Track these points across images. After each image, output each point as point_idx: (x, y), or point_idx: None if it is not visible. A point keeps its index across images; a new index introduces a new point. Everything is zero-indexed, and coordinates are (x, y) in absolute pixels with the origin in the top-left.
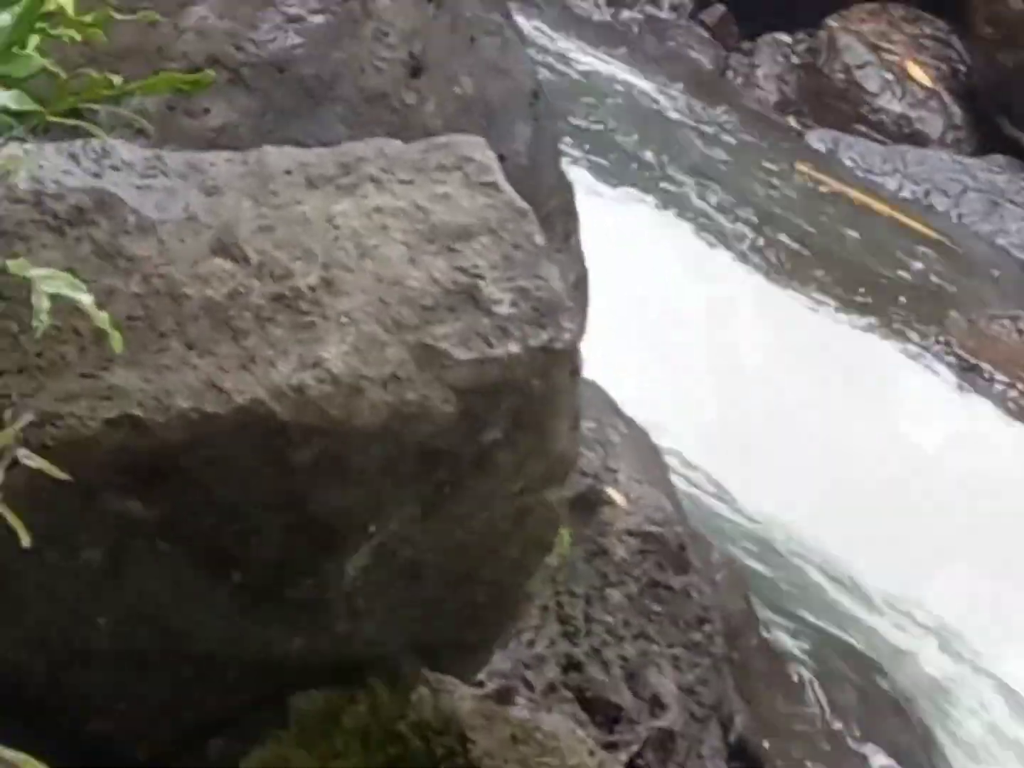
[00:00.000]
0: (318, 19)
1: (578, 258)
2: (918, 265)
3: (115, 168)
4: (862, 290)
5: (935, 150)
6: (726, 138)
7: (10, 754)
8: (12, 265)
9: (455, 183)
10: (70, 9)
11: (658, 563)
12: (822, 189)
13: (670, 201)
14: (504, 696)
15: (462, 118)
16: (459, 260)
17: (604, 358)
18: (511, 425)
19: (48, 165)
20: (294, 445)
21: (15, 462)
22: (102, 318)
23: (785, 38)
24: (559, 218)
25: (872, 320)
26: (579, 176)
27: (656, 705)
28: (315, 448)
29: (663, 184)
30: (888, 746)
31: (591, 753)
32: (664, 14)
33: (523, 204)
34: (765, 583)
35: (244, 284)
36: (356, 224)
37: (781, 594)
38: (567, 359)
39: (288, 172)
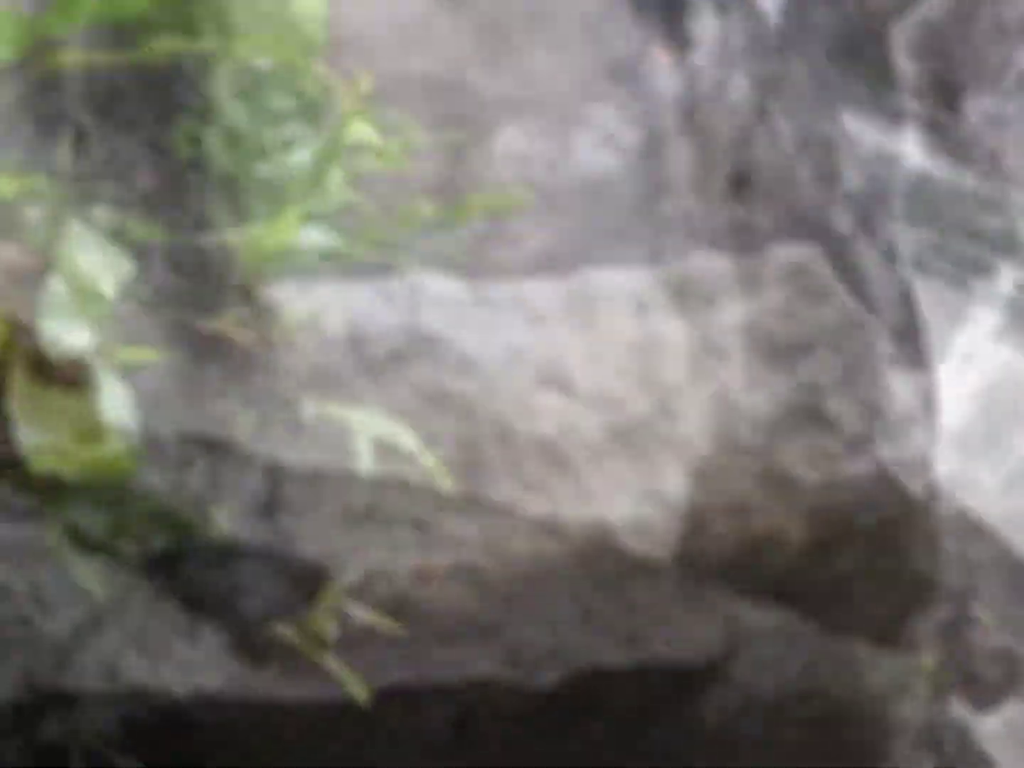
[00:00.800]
0: (633, 136)
1: (924, 367)
2: None
3: (431, 304)
4: None
5: None
6: None
7: None
8: (330, 411)
9: (791, 295)
10: (374, 140)
11: None
12: None
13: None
14: None
15: (794, 229)
16: (800, 376)
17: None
18: (866, 548)
19: (360, 305)
20: (638, 583)
21: (346, 617)
22: (428, 461)
23: None
24: (902, 327)
25: None
26: (917, 284)
27: None
28: (661, 585)
29: (1005, 293)
30: None
31: None
32: (1009, 108)
33: (863, 313)
34: None
35: (575, 417)
36: (688, 344)
37: None
38: (920, 474)
39: (612, 296)
